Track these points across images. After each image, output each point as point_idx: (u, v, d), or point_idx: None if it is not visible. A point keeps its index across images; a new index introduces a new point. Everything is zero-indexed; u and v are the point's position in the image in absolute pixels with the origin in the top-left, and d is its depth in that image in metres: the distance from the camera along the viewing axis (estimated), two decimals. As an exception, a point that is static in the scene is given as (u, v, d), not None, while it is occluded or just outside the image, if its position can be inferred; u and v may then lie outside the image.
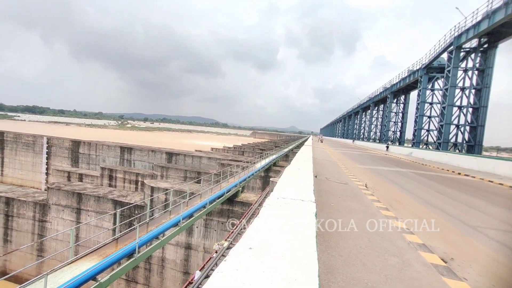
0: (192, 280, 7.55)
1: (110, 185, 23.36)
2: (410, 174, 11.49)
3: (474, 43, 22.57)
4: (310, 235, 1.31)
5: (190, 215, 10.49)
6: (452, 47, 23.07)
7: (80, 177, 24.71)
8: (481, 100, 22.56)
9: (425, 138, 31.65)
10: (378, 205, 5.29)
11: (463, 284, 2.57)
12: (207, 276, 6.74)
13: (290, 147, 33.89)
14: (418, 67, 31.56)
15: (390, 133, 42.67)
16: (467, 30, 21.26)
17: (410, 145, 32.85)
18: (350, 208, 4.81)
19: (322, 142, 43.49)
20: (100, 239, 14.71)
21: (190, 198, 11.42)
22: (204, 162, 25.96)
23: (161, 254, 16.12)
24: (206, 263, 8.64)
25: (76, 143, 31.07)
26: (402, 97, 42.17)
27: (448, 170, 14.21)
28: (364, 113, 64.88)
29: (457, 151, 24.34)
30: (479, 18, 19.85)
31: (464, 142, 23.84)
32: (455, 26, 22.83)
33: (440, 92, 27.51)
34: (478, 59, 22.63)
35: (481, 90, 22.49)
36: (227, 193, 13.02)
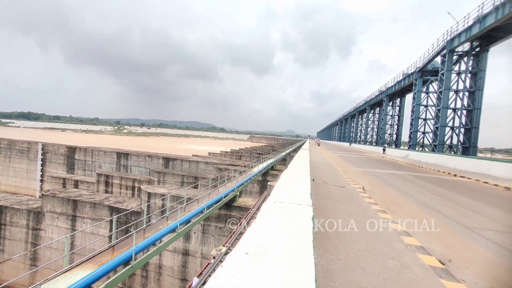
0: (189, 287, 7.43)
1: (106, 191, 23.11)
2: (407, 176, 11.54)
3: (466, 46, 23.02)
4: (307, 239, 1.30)
5: (188, 221, 10.39)
6: (445, 51, 23.49)
7: (76, 184, 24.41)
8: (475, 103, 22.91)
9: (421, 140, 31.94)
10: (376, 208, 5.29)
11: (461, 286, 2.57)
12: (205, 283, 6.66)
13: (288, 151, 33.93)
14: (412, 71, 32.02)
15: (386, 135, 43.01)
16: (459, 34, 21.69)
17: (407, 148, 33.09)
18: (348, 211, 4.80)
19: (319, 145, 43.64)
20: (96, 247, 14.46)
21: (187, 204, 11.33)
22: (201, 167, 25.85)
23: (158, 260, 15.89)
24: (204, 269, 8.53)
25: (71, 149, 30.77)
26: (398, 100, 42.64)
27: (444, 172, 14.31)
28: (360, 116, 65.40)
29: (453, 152, 24.57)
30: (470, 23, 20.29)
31: (459, 144, 24.10)
32: (447, 30, 23.30)
33: (435, 94, 27.89)
34: (470, 62, 23.05)
35: (474, 92, 22.86)
36: (224, 198, 12.95)
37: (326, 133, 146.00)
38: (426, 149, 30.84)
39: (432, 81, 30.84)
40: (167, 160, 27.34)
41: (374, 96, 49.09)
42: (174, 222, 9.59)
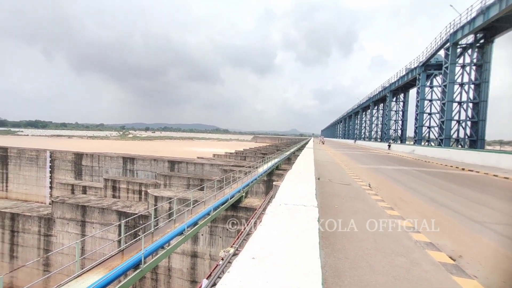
0: (199, 288, 7.48)
1: (114, 196, 23.40)
2: (413, 172, 11.42)
3: (470, 39, 22.67)
4: (313, 242, 1.31)
5: (195, 223, 10.47)
6: (448, 44, 23.17)
7: (84, 190, 24.78)
8: (481, 95, 22.53)
9: (427, 135, 31.54)
10: (383, 205, 5.26)
11: (473, 282, 2.54)
12: (214, 284, 6.69)
13: (292, 150, 33.86)
14: (415, 65, 31.66)
15: (391, 131, 42.59)
16: (463, 27, 21.37)
17: (412, 143, 32.70)
18: (354, 209, 4.79)
19: (323, 143, 43.42)
20: (106, 251, 14.66)
21: (194, 206, 11.40)
22: (206, 169, 25.97)
23: (167, 263, 16.02)
24: (213, 270, 8.57)
25: (78, 156, 31.23)
26: (402, 95, 42.19)
27: (451, 166, 14.11)
28: (364, 113, 64.86)
29: (460, 146, 24.21)
30: (473, 15, 19.98)
31: (466, 137, 23.73)
32: (450, 23, 22.98)
33: (439, 88, 27.53)
34: (475, 55, 22.71)
35: (480, 85, 22.49)
36: (230, 199, 13.00)
37: (330, 131, 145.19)
38: (432, 144, 30.44)
39: (436, 75, 30.44)
40: (172, 163, 27.54)
41: (377, 92, 48.66)
42: (182, 225, 9.67)
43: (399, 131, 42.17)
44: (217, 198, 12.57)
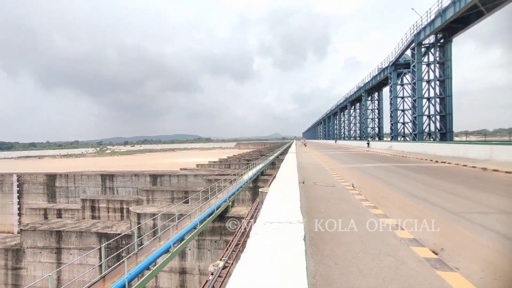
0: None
1: (93, 217, 22.08)
2: (392, 168, 11.89)
3: (432, 39, 24.39)
4: (299, 262, 1.26)
5: (181, 239, 10.10)
6: (413, 44, 24.74)
7: (59, 213, 23.16)
8: (446, 90, 24.18)
9: (402, 131, 33.16)
10: (367, 204, 5.38)
11: (455, 274, 2.63)
12: (205, 302, 6.46)
13: (275, 155, 34.09)
14: (386, 65, 33.39)
15: (369, 129, 44.30)
16: (424, 28, 22.96)
17: (389, 139, 34.21)
18: (340, 211, 4.84)
19: (305, 146, 44.20)
20: (86, 278, 13.70)
21: (180, 221, 11.03)
22: (190, 180, 25.35)
23: (155, 283, 15.28)
24: (203, 287, 8.27)
25: (51, 177, 29.22)
26: (376, 94, 44.21)
27: (426, 160, 14.89)
28: (342, 113, 67.12)
29: (432, 139, 25.68)
30: (433, 17, 21.55)
31: (437, 130, 25.26)
32: (413, 25, 24.60)
33: (409, 86, 29.18)
34: (437, 53, 24.41)
35: (444, 81, 24.15)
36: (217, 209, 12.74)
37: (311, 133, 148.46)
38: (408, 139, 32.05)
39: (405, 73, 32.28)
40: (154, 177, 26.60)
41: (353, 92, 50.64)
42: (167, 242, 9.29)
43: (377, 129, 44.00)
44: (203, 210, 12.27)
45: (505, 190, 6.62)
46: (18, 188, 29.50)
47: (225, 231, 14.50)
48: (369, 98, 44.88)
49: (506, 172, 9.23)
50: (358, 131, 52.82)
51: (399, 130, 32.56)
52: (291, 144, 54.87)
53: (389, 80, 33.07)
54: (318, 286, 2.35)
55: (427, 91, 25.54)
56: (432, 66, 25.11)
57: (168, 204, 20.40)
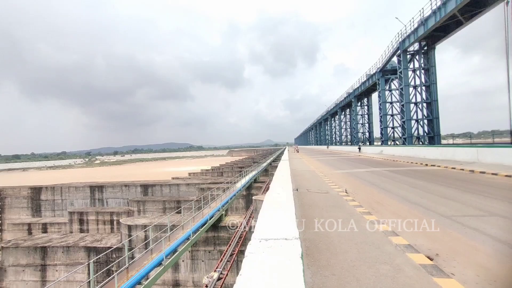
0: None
1: (81, 231, 21.30)
2: (384, 172, 12.04)
3: (416, 46, 25.30)
4: (297, 283, 1.22)
5: (174, 250, 9.83)
6: (399, 51, 25.56)
7: (44, 228, 22.24)
8: (432, 95, 24.97)
9: (392, 135, 33.80)
10: (361, 211, 5.38)
11: (451, 281, 2.62)
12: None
13: (268, 161, 34.07)
14: (374, 71, 34.26)
15: (359, 134, 45.02)
16: (409, 36, 23.81)
17: (380, 144, 34.80)
18: (334, 219, 4.82)
19: (298, 152, 44.43)
20: (74, 296, 13.08)
21: (172, 232, 10.75)
22: (182, 189, 24.93)
23: (147, 298, 14.71)
24: (197, 301, 8.02)
25: (36, 190, 28.12)
26: (365, 100, 45.16)
27: (416, 163, 15.18)
28: (333, 119, 68.09)
29: (421, 143, 26.29)
30: (416, 25, 22.41)
31: (425, 134, 25.90)
32: (398, 33, 25.48)
33: (397, 91, 29.95)
34: (422, 60, 25.29)
35: (430, 86, 24.96)
36: (210, 219, 12.52)
37: (303, 139, 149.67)
38: (398, 143, 32.69)
39: (393, 79, 33.15)
40: (145, 187, 26.03)
41: (343, 98, 51.57)
42: (160, 255, 9.01)
43: (367, 134, 44.76)
44: (196, 220, 12.02)
45: (493, 192, 6.77)
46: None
47: (219, 241, 14.23)
48: (359, 104, 45.78)
49: (492, 174, 9.50)
50: (349, 136, 53.59)
51: (389, 135, 33.20)
52: (283, 150, 55.08)
53: (377, 86, 33.88)
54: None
55: (414, 96, 26.29)
56: (417, 72, 25.95)
57: (160, 214, 19.93)
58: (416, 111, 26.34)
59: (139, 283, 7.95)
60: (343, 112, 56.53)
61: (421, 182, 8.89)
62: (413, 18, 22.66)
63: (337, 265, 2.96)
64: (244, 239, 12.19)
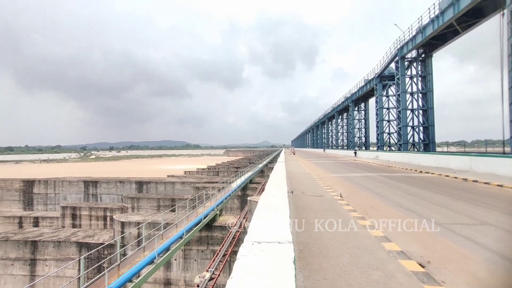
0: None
1: (73, 226, 21.06)
2: (379, 178, 12.12)
3: (414, 53, 25.57)
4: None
5: (167, 249, 9.78)
6: (397, 58, 25.81)
7: (36, 221, 21.95)
8: (428, 103, 25.25)
9: (388, 140, 34.09)
10: (355, 215, 5.41)
11: (442, 289, 2.65)
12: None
13: (264, 162, 34.10)
14: (372, 76, 34.52)
15: (356, 139, 45.30)
16: (407, 43, 24.06)
17: (376, 149, 35.06)
18: (328, 223, 4.84)
19: (294, 154, 44.53)
20: (63, 292, 12.90)
21: (166, 230, 10.69)
22: (177, 187, 24.83)
23: (137, 296, 14.59)
24: (188, 300, 7.98)
25: (29, 183, 27.77)
26: (363, 105, 45.48)
27: (411, 170, 15.31)
28: (330, 122, 68.44)
29: (416, 150, 26.55)
30: (414, 33, 22.66)
31: (420, 141, 26.17)
32: (396, 39, 25.73)
33: (394, 97, 30.24)
34: (419, 67, 25.57)
35: (426, 94, 25.24)
36: (204, 218, 12.48)
37: (300, 141, 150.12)
38: (393, 148, 32.97)
39: (390, 85, 33.45)
40: (140, 184, 25.86)
41: (340, 102, 51.87)
42: (152, 253, 8.95)
43: (363, 138, 45.07)
44: (190, 219, 11.98)
45: (485, 201, 6.87)
46: (-10, 195, 27.78)
47: (213, 240, 14.19)
48: (356, 108, 46.09)
49: (485, 183, 9.63)
50: (345, 140, 53.88)
51: (384, 140, 33.46)
52: (280, 152, 55.17)
53: (375, 91, 34.14)
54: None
55: (410, 103, 26.56)
56: (414, 79, 26.23)
57: (154, 212, 19.80)
58: (412, 118, 26.60)
59: (130, 280, 7.89)
60: (340, 116, 56.85)
61: (415, 188, 8.97)
62: (411, 25, 22.92)
63: (329, 269, 2.97)
64: (238, 240, 12.17)
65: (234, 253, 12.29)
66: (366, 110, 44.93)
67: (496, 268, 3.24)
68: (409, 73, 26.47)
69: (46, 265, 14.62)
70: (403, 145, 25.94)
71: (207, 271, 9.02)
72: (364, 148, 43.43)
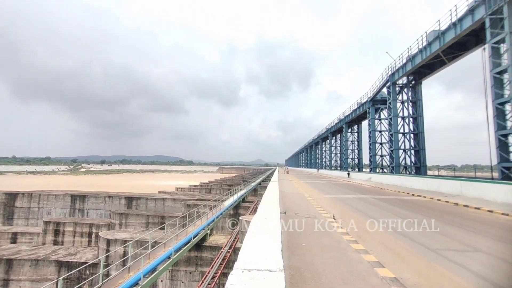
0: None
1: (55, 243, 20.01)
2: (372, 200, 12.12)
3: (404, 80, 26.75)
4: None
5: (154, 269, 9.33)
6: (389, 83, 26.89)
7: (14, 237, 20.81)
8: (419, 127, 25.99)
9: (380, 162, 34.47)
10: (348, 238, 5.35)
11: (436, 318, 2.58)
12: None
13: (258, 181, 33.82)
14: (365, 100, 35.62)
15: (349, 160, 45.68)
16: (398, 70, 25.24)
17: (369, 170, 35.30)
18: (321, 246, 4.75)
19: (288, 173, 44.44)
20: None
21: (153, 249, 10.27)
22: (168, 204, 24.20)
23: (118, 322, 13.60)
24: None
25: (11, 196, 26.65)
26: (356, 127, 46.43)
27: (403, 192, 15.40)
28: (324, 143, 69.23)
29: (408, 172, 26.85)
30: (404, 61, 23.88)
31: (412, 164, 26.56)
32: (388, 66, 26.99)
33: (386, 121, 31.06)
34: (410, 93, 26.63)
35: (417, 118, 26.06)
36: (194, 238, 12.07)
37: (294, 160, 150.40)
38: (386, 171, 33.26)
39: (382, 109, 34.45)
40: (130, 199, 25.14)
41: (334, 124, 52.89)
42: (137, 273, 8.52)
43: (356, 160, 45.50)
44: (179, 238, 11.57)
45: (477, 227, 6.90)
46: (-31, 207, 26.45)
47: (202, 261, 13.63)
48: (349, 130, 46.97)
49: (475, 208, 9.72)
50: (338, 161, 54.26)
51: (377, 162, 33.82)
52: (273, 171, 54.94)
53: (367, 114, 35.04)
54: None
55: (402, 127, 27.29)
56: (406, 104, 27.18)
57: (142, 229, 19.08)
58: (404, 141, 27.19)
59: (111, 305, 7.42)
60: (334, 137, 57.70)
61: (408, 212, 8.97)
62: (401, 54, 24.19)
63: (322, 296, 2.88)
64: (228, 261, 11.72)
65: (224, 275, 11.76)
66: (359, 132, 45.81)
67: (489, 297, 3.20)
68: (400, 98, 27.46)
69: (20, 286, 13.63)
70: (395, 168, 26.25)
71: (194, 295, 8.58)
72: (357, 170, 43.69)
